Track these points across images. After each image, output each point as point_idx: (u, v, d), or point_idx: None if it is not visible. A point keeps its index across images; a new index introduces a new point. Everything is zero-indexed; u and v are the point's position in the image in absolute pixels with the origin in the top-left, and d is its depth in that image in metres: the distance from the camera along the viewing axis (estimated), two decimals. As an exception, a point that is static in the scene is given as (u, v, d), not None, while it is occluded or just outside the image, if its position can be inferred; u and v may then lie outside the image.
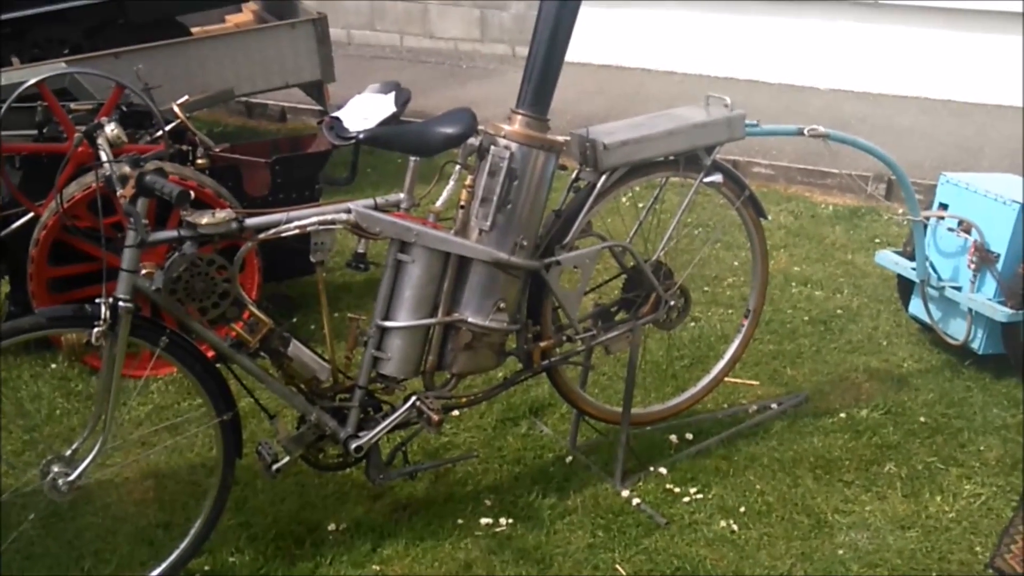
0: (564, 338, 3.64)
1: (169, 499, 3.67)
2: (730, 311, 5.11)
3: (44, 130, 4.62)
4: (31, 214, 4.48)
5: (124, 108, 4.72)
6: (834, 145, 3.94)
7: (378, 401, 3.43)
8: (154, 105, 4.63)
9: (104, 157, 3.00)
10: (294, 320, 5.02)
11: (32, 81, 4.38)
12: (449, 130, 3.27)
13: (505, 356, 3.54)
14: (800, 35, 8.88)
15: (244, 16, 7.46)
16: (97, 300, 2.97)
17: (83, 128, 3.14)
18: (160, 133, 4.61)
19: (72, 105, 4.83)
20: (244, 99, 8.03)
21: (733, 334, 4.25)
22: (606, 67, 8.98)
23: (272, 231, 3.13)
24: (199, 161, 4.75)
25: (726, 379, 4.24)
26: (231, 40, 6.46)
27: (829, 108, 8.46)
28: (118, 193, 2.89)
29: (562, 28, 3.30)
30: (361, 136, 3.30)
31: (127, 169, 2.89)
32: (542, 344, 3.56)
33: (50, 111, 4.52)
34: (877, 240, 6.17)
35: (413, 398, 3.37)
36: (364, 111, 4.99)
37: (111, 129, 3.07)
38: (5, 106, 4.30)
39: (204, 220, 2.99)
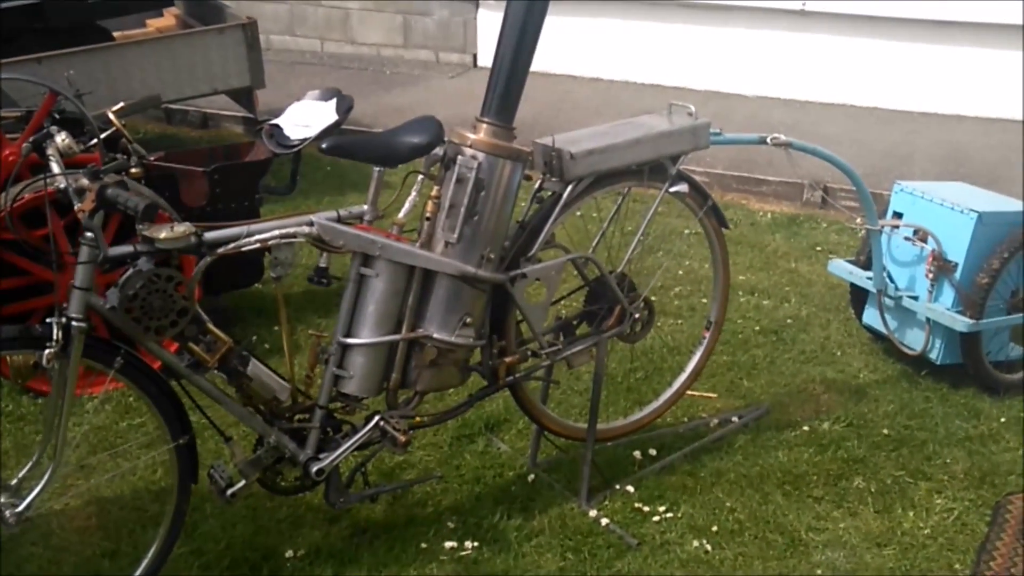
0: (528, 353, 3.55)
1: (117, 527, 3.49)
2: (679, 321, 5.05)
3: (-32, 140, 4.40)
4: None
5: (56, 115, 4.51)
6: (793, 154, 3.91)
7: (339, 421, 3.31)
8: (85, 112, 4.43)
9: (56, 168, 2.82)
10: (231, 334, 4.81)
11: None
12: (415, 139, 3.16)
13: (469, 373, 3.43)
14: (726, 42, 8.90)
15: (166, 20, 7.23)
16: (48, 320, 2.81)
17: (31, 138, 2.96)
18: (94, 141, 4.41)
19: (2, 112, 4.61)
20: (164, 105, 7.78)
21: (692, 346, 4.19)
22: (532, 74, 8.73)
23: (232, 245, 2.99)
24: (132, 171, 4.54)
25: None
26: (158, 45, 6.25)
27: (756, 115, 8.49)
28: (75, 207, 2.73)
29: (529, 32, 3.22)
30: (323, 146, 3.15)
31: (85, 182, 2.73)
32: (507, 359, 3.46)
33: (-25, 118, 4.31)
34: (819, 248, 6.17)
35: (376, 417, 3.25)
36: (304, 118, 4.84)
37: (62, 138, 2.91)
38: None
39: (162, 234, 2.84)
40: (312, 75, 9.45)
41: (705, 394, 4.40)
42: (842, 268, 4.75)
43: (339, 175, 6.77)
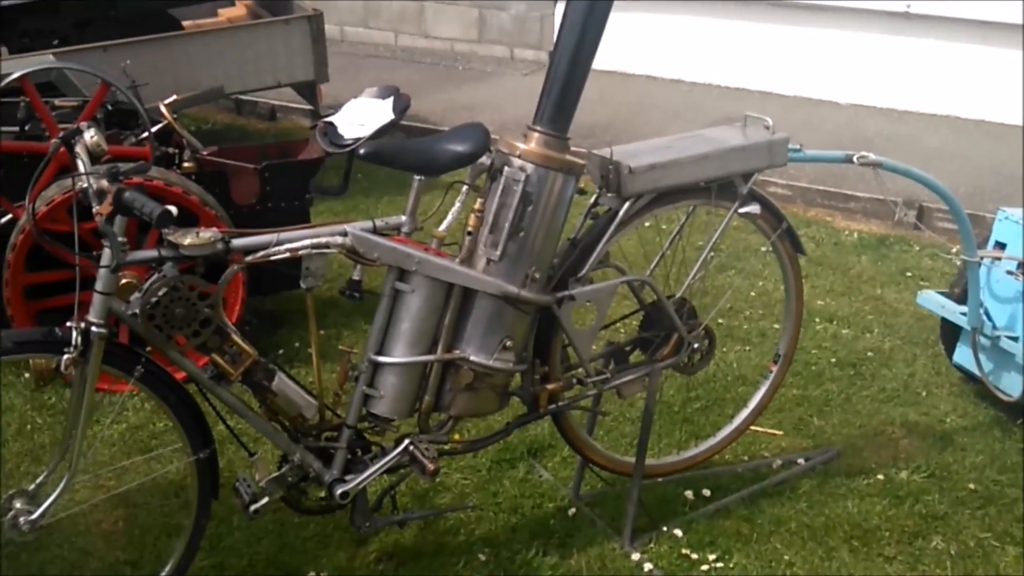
0: (574, 380, 3.33)
1: (141, 534, 3.37)
2: (747, 348, 4.74)
3: (26, 127, 4.31)
4: (9, 215, 4.17)
5: (109, 107, 4.40)
6: (882, 173, 3.61)
7: (367, 442, 3.13)
8: (140, 104, 4.32)
9: (81, 167, 2.67)
10: (276, 337, 4.70)
11: (15, 75, 4.07)
12: (459, 148, 2.96)
13: (508, 398, 3.23)
14: (819, 45, 8.43)
15: (237, 10, 7.12)
16: (68, 324, 2.67)
17: (62, 132, 2.82)
18: (145, 135, 4.29)
19: (56, 101, 4.54)
20: (233, 96, 7.69)
21: (758, 379, 3.92)
22: (608, 73, 8.55)
23: (261, 254, 2.82)
24: (185, 164, 4.44)
25: (745, 427, 3.91)
26: (223, 36, 6.14)
27: (849, 124, 7.99)
28: (94, 209, 2.57)
29: (589, 35, 3.00)
30: (361, 151, 2.96)
31: (105, 183, 2.58)
32: (549, 387, 3.25)
33: (32, 107, 4.21)
34: (909, 274, 5.73)
35: (406, 441, 3.07)
36: (360, 117, 4.68)
37: (91, 136, 2.75)
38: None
39: (187, 240, 2.69)
40: (384, 68, 9.31)
41: (770, 431, 4.09)
42: (933, 300, 4.34)
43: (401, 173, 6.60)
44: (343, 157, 4.59)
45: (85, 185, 2.62)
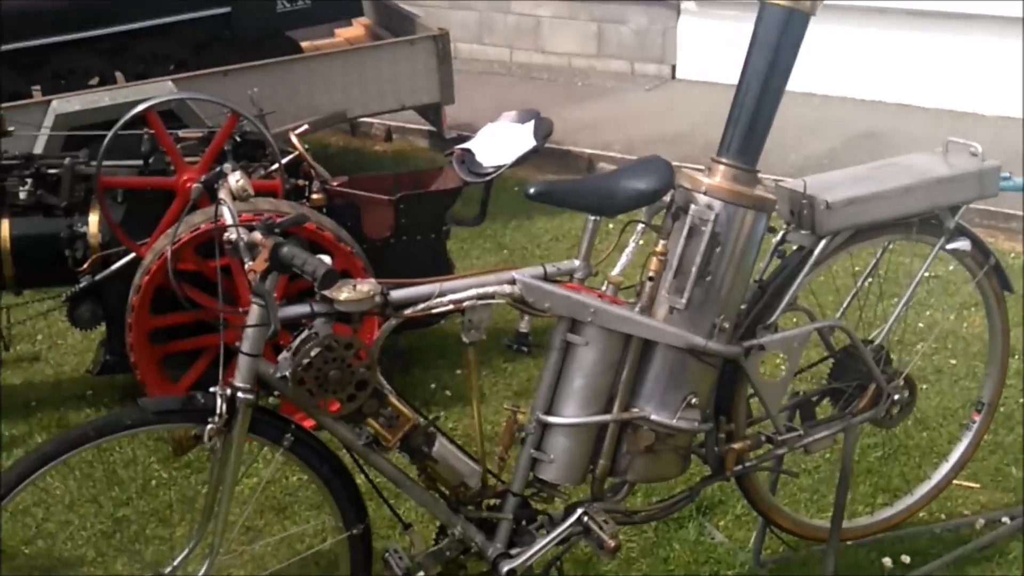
0: (762, 438, 2.97)
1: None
2: (924, 386, 4.28)
3: (150, 160, 4.08)
4: (132, 255, 3.94)
5: (237, 138, 4.16)
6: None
7: (533, 511, 2.81)
8: (269, 134, 4.06)
9: (228, 217, 2.40)
10: (410, 378, 4.41)
11: (141, 108, 3.84)
12: (641, 185, 2.64)
13: (690, 460, 2.89)
14: (961, 53, 7.85)
15: (355, 30, 6.88)
16: (212, 389, 2.40)
17: (202, 178, 2.55)
18: (275, 167, 4.04)
19: (180, 133, 4.29)
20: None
21: (942, 419, 3.54)
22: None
23: (422, 306, 2.53)
24: (315, 196, 4.17)
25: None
26: (346, 58, 5.90)
27: (998, 139, 7.24)
28: (246, 266, 2.29)
29: (784, 53, 2.67)
30: (530, 191, 2.64)
31: (259, 237, 2.30)
32: (736, 445, 2.90)
33: (157, 140, 3.98)
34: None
35: (580, 511, 2.75)
36: (499, 143, 4.39)
37: (236, 180, 2.48)
38: (111, 134, 3.77)
39: (343, 295, 2.39)
40: (500, 86, 9.02)
41: (965, 483, 3.68)
42: None
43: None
44: (479, 186, 4.32)
45: (233, 237, 2.34)
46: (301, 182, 4.18)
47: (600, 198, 2.67)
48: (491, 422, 4.11)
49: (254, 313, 2.37)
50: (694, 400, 2.71)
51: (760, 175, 2.73)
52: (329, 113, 5.47)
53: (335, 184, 4.28)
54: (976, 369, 4.38)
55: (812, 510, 3.56)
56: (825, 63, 8.04)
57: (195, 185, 2.52)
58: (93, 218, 3.94)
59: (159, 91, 4.81)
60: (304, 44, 6.47)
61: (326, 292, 2.38)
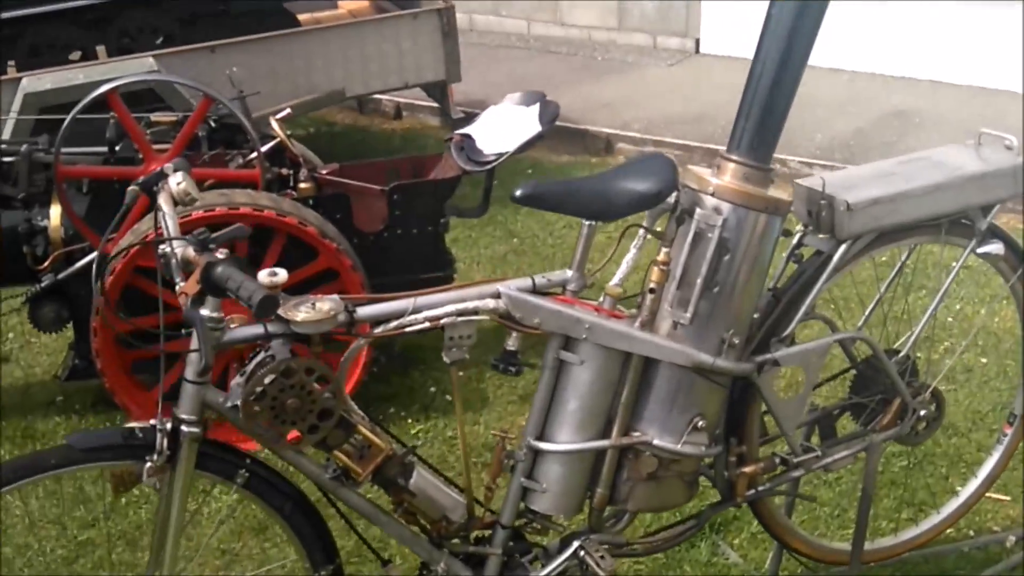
0: (776, 459, 2.71)
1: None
2: (952, 387, 3.99)
3: (116, 148, 3.82)
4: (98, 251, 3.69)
5: (212, 123, 3.89)
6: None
7: (526, 543, 2.56)
8: (248, 120, 3.79)
9: (167, 225, 2.14)
10: (408, 380, 4.16)
11: (102, 90, 3.57)
12: (641, 187, 2.36)
13: (697, 486, 2.63)
14: (998, 28, 7.39)
15: (360, 3, 6.58)
16: (152, 422, 2.14)
17: (140, 179, 2.28)
18: (254, 155, 3.77)
19: (153, 117, 4.02)
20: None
21: (971, 423, 3.29)
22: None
23: (393, 324, 2.27)
24: (302, 186, 3.92)
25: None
26: (343, 33, 5.59)
27: None
28: (177, 288, 2.04)
29: (800, 39, 2.37)
30: (517, 194, 2.37)
31: (191, 253, 2.03)
32: (747, 469, 2.64)
33: (122, 125, 3.71)
34: None
35: (575, 544, 2.51)
36: (502, 128, 4.14)
37: (177, 182, 2.21)
38: (69, 118, 3.52)
39: (301, 315, 2.13)
40: (516, 60, 8.73)
41: (995, 495, 3.39)
42: None
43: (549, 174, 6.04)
44: (481, 174, 4.05)
45: (165, 251, 2.08)
46: (285, 171, 3.91)
47: (595, 201, 2.40)
48: (494, 428, 3.87)
49: (197, 336, 2.11)
50: (701, 423, 2.45)
51: (776, 170, 2.45)
52: (326, 92, 5.23)
53: (324, 172, 4.02)
54: (1008, 368, 4.08)
55: (833, 527, 3.31)
56: (853, 37, 7.74)
57: (130, 188, 2.24)
58: (55, 211, 3.68)
59: (139, 68, 4.53)
60: (304, 17, 6.17)
61: (282, 311, 2.12)
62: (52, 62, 5.13)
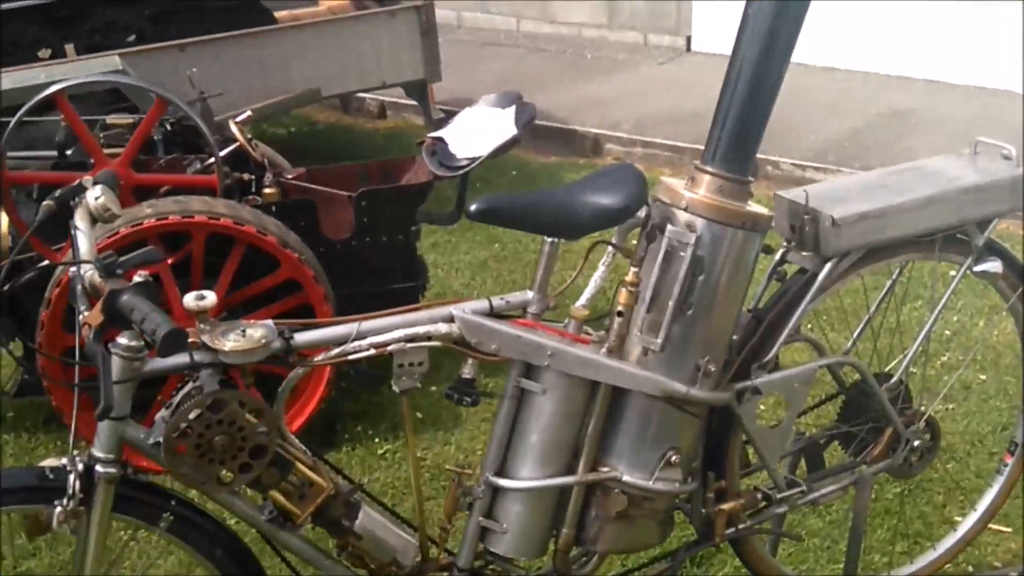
0: (758, 495, 2.51)
1: None
2: (950, 406, 3.78)
3: (67, 152, 3.62)
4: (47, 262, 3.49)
5: (168, 126, 3.70)
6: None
7: (486, 587, 2.37)
8: (206, 123, 3.60)
9: (80, 246, 1.94)
10: (379, 397, 3.96)
11: (47, 93, 3.38)
12: (607, 201, 2.18)
13: (672, 524, 2.44)
14: (996, 26, 7.17)
15: (341, 1, 6.37)
16: (63, 461, 1.95)
17: (56, 193, 2.09)
18: (211, 160, 3.58)
19: (109, 119, 3.83)
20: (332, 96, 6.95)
21: (969, 447, 3.13)
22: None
23: (335, 352, 2.08)
24: (267, 191, 3.72)
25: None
26: (318, 31, 5.37)
27: None
28: (79, 316, 1.84)
29: (780, 42, 2.21)
30: (471, 209, 2.18)
31: (96, 279, 1.83)
32: (727, 506, 2.45)
33: (71, 128, 3.52)
34: None
35: (540, 589, 2.32)
36: (476, 131, 3.92)
37: (96, 196, 2.02)
38: (15, 120, 3.35)
39: (229, 343, 1.94)
40: (505, 58, 8.54)
41: (995, 527, 3.18)
42: None
43: (527, 183, 5.83)
44: (454, 180, 3.86)
45: (73, 274, 1.88)
46: (248, 176, 3.71)
47: (557, 217, 2.21)
48: (464, 450, 3.68)
49: (114, 365, 1.90)
50: (675, 457, 2.27)
51: (754, 182, 2.25)
52: (300, 91, 5.03)
53: (290, 177, 3.83)
54: (1009, 386, 3.87)
55: (823, 560, 3.10)
56: (848, 35, 7.57)
57: (44, 203, 2.04)
58: (2, 219, 3.49)
59: (103, 68, 4.32)
60: (282, 14, 5.95)
61: (207, 338, 1.93)
62: (20, 60, 4.92)
